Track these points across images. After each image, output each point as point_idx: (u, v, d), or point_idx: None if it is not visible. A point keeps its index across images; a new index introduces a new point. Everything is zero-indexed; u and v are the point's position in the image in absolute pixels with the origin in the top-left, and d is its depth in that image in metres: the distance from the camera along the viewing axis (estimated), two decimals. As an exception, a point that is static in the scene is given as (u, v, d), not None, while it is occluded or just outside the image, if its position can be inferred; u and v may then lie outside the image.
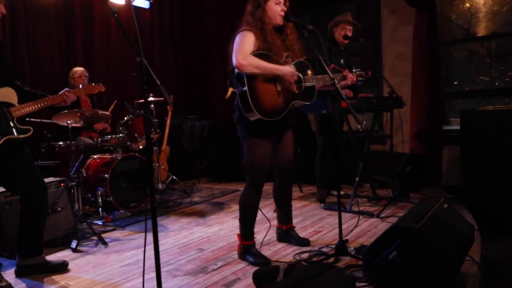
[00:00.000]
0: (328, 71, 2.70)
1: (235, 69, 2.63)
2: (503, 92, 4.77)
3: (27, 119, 3.59)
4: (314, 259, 2.76)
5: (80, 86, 3.17)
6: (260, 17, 2.70)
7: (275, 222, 3.21)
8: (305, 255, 2.83)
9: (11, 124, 2.59)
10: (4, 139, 2.54)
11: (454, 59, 5.08)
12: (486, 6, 4.77)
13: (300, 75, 2.79)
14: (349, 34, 4.14)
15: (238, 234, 2.89)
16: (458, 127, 4.13)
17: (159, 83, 1.94)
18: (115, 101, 4.98)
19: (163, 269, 2.56)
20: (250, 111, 2.60)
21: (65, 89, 2.91)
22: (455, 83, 5.07)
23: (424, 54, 4.61)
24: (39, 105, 2.69)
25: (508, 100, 4.71)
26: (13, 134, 2.59)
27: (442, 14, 4.91)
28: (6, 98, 2.59)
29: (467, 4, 4.89)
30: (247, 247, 2.83)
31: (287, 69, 2.66)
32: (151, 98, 4.63)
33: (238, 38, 2.67)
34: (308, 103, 2.86)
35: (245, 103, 2.60)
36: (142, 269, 2.72)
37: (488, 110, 3.92)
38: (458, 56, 5.07)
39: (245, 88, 2.59)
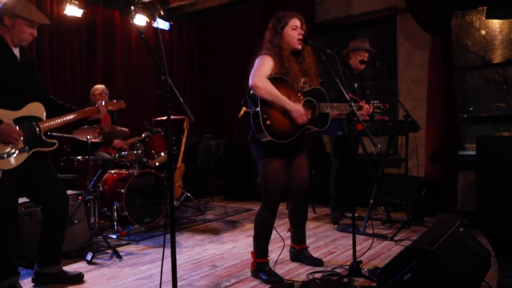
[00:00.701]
0: (345, 93, 2.75)
1: (251, 90, 2.71)
2: (520, 119, 4.76)
3: (48, 133, 3.72)
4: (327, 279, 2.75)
5: (103, 102, 3.29)
6: (278, 44, 2.78)
7: (289, 242, 3.22)
8: (318, 275, 2.82)
9: (39, 137, 2.69)
10: (32, 151, 2.64)
11: (470, 86, 5.09)
12: (502, 34, 4.81)
13: (315, 102, 2.83)
14: (364, 59, 4.21)
15: (251, 252, 2.91)
16: (473, 153, 4.12)
17: (182, 100, 2.01)
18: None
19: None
20: (261, 132, 2.64)
21: (100, 101, 3.08)
22: (471, 109, 5.08)
23: (439, 79, 4.64)
24: (65, 119, 2.80)
25: (524, 127, 4.69)
26: (41, 146, 2.69)
27: (458, 41, 4.96)
28: (35, 112, 2.70)
29: (483, 32, 4.94)
30: (260, 265, 2.84)
31: (298, 109, 2.68)
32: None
33: (257, 61, 2.76)
34: (320, 129, 2.89)
35: (257, 124, 2.64)
36: (155, 283, 2.77)
37: (505, 136, 3.91)
38: (474, 83, 5.09)
39: (258, 109, 2.63)
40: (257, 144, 2.79)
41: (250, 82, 2.65)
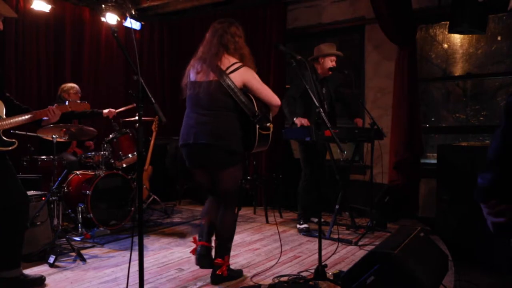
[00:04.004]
0: (315, 100, 2.81)
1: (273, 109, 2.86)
2: (477, 130, 5.00)
3: (11, 131, 3.59)
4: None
5: (66, 102, 3.20)
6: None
7: (250, 247, 3.23)
8: (284, 278, 2.86)
9: None
10: None
11: (432, 97, 5.31)
12: (463, 48, 5.05)
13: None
14: (334, 65, 4.28)
15: (226, 257, 2.82)
16: (434, 161, 4.28)
17: (153, 101, 2.01)
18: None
19: None
20: (266, 145, 2.86)
21: (55, 105, 2.95)
22: (432, 119, 5.28)
23: (404, 89, 4.81)
24: (24, 118, 2.71)
25: (482, 138, 4.93)
26: (-1, 145, 2.59)
27: (422, 53, 5.16)
28: (-5, 109, 2.61)
29: (445, 45, 5.16)
30: (229, 266, 2.86)
31: None
32: (137, 117, 4.65)
33: (257, 78, 2.81)
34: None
35: (267, 138, 2.82)
36: (120, 286, 2.73)
37: (463, 145, 4.09)
38: (436, 94, 5.31)
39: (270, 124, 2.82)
40: (237, 153, 2.80)
41: (277, 102, 2.82)
